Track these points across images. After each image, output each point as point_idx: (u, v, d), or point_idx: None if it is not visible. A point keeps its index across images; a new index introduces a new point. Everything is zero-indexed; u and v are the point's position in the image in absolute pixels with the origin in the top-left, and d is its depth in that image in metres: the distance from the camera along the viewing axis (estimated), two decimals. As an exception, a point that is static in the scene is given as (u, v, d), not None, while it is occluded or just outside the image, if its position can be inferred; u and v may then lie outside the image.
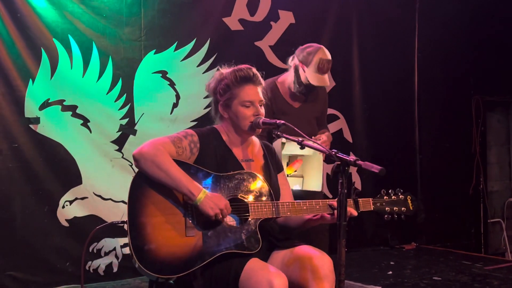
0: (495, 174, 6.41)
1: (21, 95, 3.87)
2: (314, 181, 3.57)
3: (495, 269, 4.57)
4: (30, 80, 3.89)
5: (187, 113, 4.46)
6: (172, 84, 4.40)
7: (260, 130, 2.55)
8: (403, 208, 2.57)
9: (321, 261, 2.29)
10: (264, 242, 2.37)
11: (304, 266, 2.29)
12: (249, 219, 2.37)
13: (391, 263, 4.87)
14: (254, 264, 2.24)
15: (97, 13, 4.11)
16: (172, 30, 4.40)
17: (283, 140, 3.25)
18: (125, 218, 2.31)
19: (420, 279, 4.26)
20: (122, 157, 4.22)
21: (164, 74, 4.37)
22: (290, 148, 3.47)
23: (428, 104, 5.90)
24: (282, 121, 2.42)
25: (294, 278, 2.30)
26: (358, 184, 5.32)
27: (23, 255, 3.85)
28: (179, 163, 2.35)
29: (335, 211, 2.32)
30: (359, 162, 2.05)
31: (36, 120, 3.91)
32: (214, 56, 4.53)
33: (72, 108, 4.04)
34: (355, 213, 2.40)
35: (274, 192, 2.49)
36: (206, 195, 2.28)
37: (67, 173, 4.03)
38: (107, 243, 4.14)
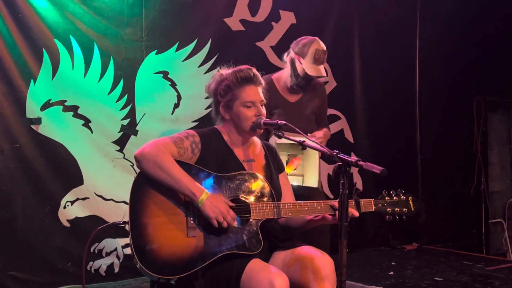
0: (496, 174, 6.40)
1: (23, 95, 3.87)
2: (311, 177, 3.59)
3: (497, 270, 4.57)
4: (32, 81, 3.89)
5: (188, 113, 4.46)
6: (173, 85, 4.40)
7: (262, 130, 2.56)
8: (404, 209, 2.57)
9: (322, 261, 2.29)
10: (265, 242, 2.37)
11: (305, 266, 2.30)
12: (251, 219, 2.37)
13: (392, 263, 4.86)
14: (255, 265, 2.25)
15: (99, 13, 4.11)
16: (173, 31, 4.40)
17: (277, 140, 3.26)
18: (127, 219, 2.31)
19: (421, 279, 4.26)
20: (124, 157, 4.22)
21: (165, 74, 4.37)
22: (285, 147, 3.48)
23: (429, 104, 5.90)
24: (283, 122, 2.43)
25: (295, 278, 2.30)
26: (359, 184, 5.31)
27: (25, 255, 3.85)
28: (181, 163, 2.35)
29: (337, 212, 2.32)
30: (361, 162, 2.05)
31: (38, 121, 3.91)
32: (216, 56, 4.53)
33: (74, 109, 4.04)
34: (356, 213, 2.40)
35: (276, 193, 2.49)
36: (208, 197, 2.28)
37: (68, 173, 4.03)
38: (109, 243, 4.14)
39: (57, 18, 3.97)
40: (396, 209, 2.56)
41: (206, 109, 4.39)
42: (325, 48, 3.67)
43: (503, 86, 6.10)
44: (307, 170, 3.64)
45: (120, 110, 4.21)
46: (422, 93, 5.88)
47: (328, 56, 4.93)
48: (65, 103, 4.01)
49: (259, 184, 2.44)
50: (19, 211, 3.86)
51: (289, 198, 2.63)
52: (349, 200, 2.10)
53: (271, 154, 2.67)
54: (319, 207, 2.44)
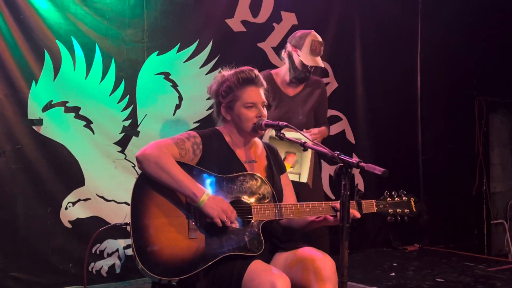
0: (498, 175, 6.40)
1: (24, 96, 3.87)
2: (302, 173, 3.61)
3: (498, 271, 4.56)
4: (33, 82, 3.89)
5: (190, 114, 4.46)
6: (174, 86, 4.41)
7: (263, 131, 2.56)
8: (406, 210, 2.57)
9: (323, 262, 2.30)
10: (266, 244, 2.37)
11: (307, 267, 2.30)
12: (252, 221, 2.37)
13: (394, 264, 4.86)
14: (256, 266, 2.25)
15: (100, 14, 4.11)
16: (174, 32, 4.40)
17: (272, 135, 3.29)
18: (128, 220, 2.31)
19: (423, 280, 4.25)
20: (125, 158, 4.22)
21: (167, 75, 4.37)
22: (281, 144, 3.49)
23: (431, 105, 5.90)
24: (285, 123, 2.43)
25: (297, 279, 2.30)
26: (361, 185, 5.31)
27: (26, 256, 3.85)
28: (182, 164, 2.35)
29: (338, 213, 2.32)
30: (362, 164, 2.05)
31: (39, 122, 3.91)
32: (217, 57, 4.53)
33: (75, 110, 4.04)
34: (358, 215, 2.40)
35: (277, 194, 2.50)
36: (209, 197, 2.28)
37: (70, 174, 4.03)
38: (110, 244, 4.14)
39: (59, 19, 3.97)
40: (397, 210, 2.56)
41: (207, 110, 4.40)
42: (321, 39, 3.71)
43: (504, 86, 6.10)
44: (301, 164, 3.66)
45: (122, 111, 4.21)
46: (423, 93, 5.88)
47: (329, 57, 4.98)
48: (67, 104, 4.01)
49: (260, 185, 2.44)
50: (20, 212, 3.86)
51: (290, 199, 2.63)
52: (350, 201, 2.09)
53: (272, 155, 2.67)
54: (320, 208, 2.44)
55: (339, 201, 2.11)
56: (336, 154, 2.13)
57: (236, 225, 2.36)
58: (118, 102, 4.20)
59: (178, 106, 4.42)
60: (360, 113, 5.46)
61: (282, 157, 3.52)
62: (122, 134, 4.22)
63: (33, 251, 3.88)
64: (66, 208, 3.99)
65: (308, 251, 2.37)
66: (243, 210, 2.38)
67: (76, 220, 4.02)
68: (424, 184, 5.84)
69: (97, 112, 4.11)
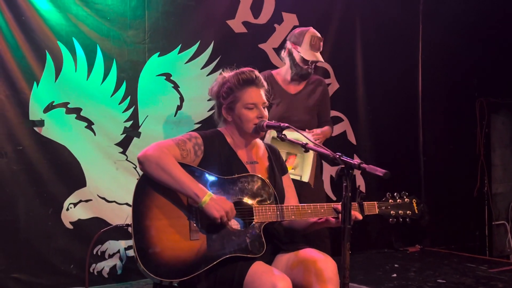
0: (499, 176, 6.39)
1: (26, 97, 3.87)
2: (305, 173, 3.61)
3: (500, 272, 4.56)
4: (35, 83, 3.90)
5: (191, 115, 4.46)
6: (176, 87, 4.41)
7: (264, 133, 2.56)
8: (408, 212, 2.56)
9: (325, 264, 2.29)
10: (268, 245, 2.37)
11: (308, 269, 2.30)
12: (254, 222, 2.37)
13: (395, 265, 4.86)
14: (258, 267, 2.24)
15: (101, 16, 4.11)
16: (176, 33, 4.41)
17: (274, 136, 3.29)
18: (129, 221, 2.31)
19: (425, 281, 4.25)
20: (126, 159, 4.22)
21: (168, 76, 4.38)
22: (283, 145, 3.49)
23: (432, 105, 5.89)
24: (286, 124, 2.43)
25: (298, 281, 2.30)
26: (362, 186, 5.31)
27: (27, 257, 3.85)
28: (184, 165, 2.35)
29: (340, 215, 2.32)
30: (364, 165, 2.04)
31: (41, 123, 3.92)
32: (218, 58, 4.53)
33: (76, 111, 4.04)
34: (360, 216, 2.39)
35: (279, 195, 2.50)
36: (211, 198, 2.28)
37: (71, 175, 4.03)
38: (111, 245, 4.14)
39: (60, 20, 3.98)
40: (400, 211, 2.55)
41: (209, 111, 4.40)
42: (319, 35, 3.72)
43: (506, 87, 6.09)
44: (303, 165, 3.66)
45: (123, 112, 4.21)
46: (424, 94, 5.87)
47: (330, 58, 4.98)
48: (68, 105, 4.01)
49: (262, 186, 2.44)
50: (22, 213, 3.86)
51: (292, 200, 2.63)
52: (352, 203, 2.09)
53: (274, 156, 2.67)
54: (322, 210, 2.44)
55: (340, 203, 2.10)
56: (337, 156, 2.12)
57: (238, 226, 2.35)
58: (120, 103, 4.20)
59: (179, 107, 4.42)
60: (361, 114, 5.46)
61: (283, 159, 3.53)
62: (124, 135, 4.22)
63: (34, 252, 3.88)
64: (67, 209, 4.00)
65: (309, 253, 2.37)
66: (244, 212, 2.38)
67: (77, 221, 4.02)
68: (425, 185, 5.84)
69: (98, 113, 4.11)
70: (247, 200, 2.40)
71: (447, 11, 5.73)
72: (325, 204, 2.46)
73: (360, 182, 5.29)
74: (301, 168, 3.63)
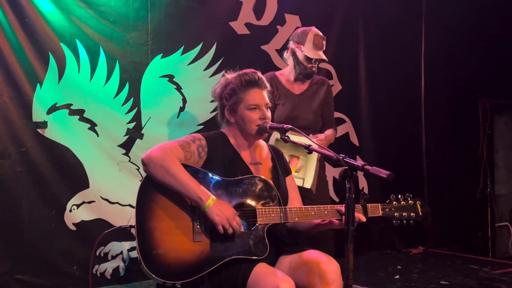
0: (502, 178, 6.37)
1: (29, 99, 3.88)
2: (307, 179, 3.61)
3: (503, 273, 4.55)
4: (38, 85, 3.90)
5: (194, 117, 4.46)
6: (178, 88, 4.41)
7: (267, 134, 2.56)
8: (412, 214, 2.56)
9: (328, 266, 2.29)
10: (271, 247, 2.37)
11: (312, 270, 2.30)
12: (257, 224, 2.37)
13: (398, 267, 4.85)
14: (261, 269, 2.25)
15: (104, 17, 4.12)
16: (178, 34, 4.41)
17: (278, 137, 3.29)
18: (132, 222, 2.32)
19: (427, 283, 4.25)
20: (129, 161, 4.22)
21: (171, 78, 4.38)
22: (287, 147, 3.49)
23: (435, 107, 5.89)
24: (289, 126, 2.43)
25: (302, 282, 2.30)
26: (365, 188, 5.31)
27: (31, 258, 3.86)
28: (187, 167, 2.35)
29: (343, 217, 2.32)
30: (367, 167, 2.04)
31: (44, 124, 3.92)
32: (221, 60, 4.54)
33: (80, 112, 4.05)
34: (363, 218, 2.39)
35: (282, 196, 2.50)
36: (215, 202, 2.28)
37: (74, 177, 4.03)
38: (114, 246, 4.15)
39: (63, 22, 3.98)
40: (404, 214, 2.55)
41: (211, 112, 4.40)
42: (322, 34, 3.72)
43: (508, 88, 6.08)
44: (305, 169, 3.65)
45: (126, 113, 4.22)
46: (427, 96, 5.87)
47: (333, 59, 4.99)
48: (71, 107, 4.02)
49: (265, 188, 2.44)
50: (25, 215, 3.86)
51: (296, 201, 2.63)
52: (356, 205, 2.09)
53: (277, 157, 2.67)
54: (326, 212, 2.44)
55: (344, 205, 2.10)
56: (341, 157, 2.12)
57: (241, 228, 2.35)
58: (123, 105, 4.20)
59: (182, 109, 4.42)
60: (364, 115, 5.46)
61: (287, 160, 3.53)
62: (126, 137, 4.22)
63: (38, 253, 3.88)
64: (70, 211, 4.00)
65: (313, 254, 2.37)
66: (248, 214, 2.38)
67: (81, 223, 4.03)
68: (428, 186, 5.84)
69: (101, 114, 4.12)
70: (251, 202, 2.40)
71: (450, 12, 5.72)
72: (328, 206, 2.46)
73: (363, 183, 5.29)
74: (304, 171, 3.62)
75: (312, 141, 2.42)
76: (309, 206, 2.45)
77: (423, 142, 5.88)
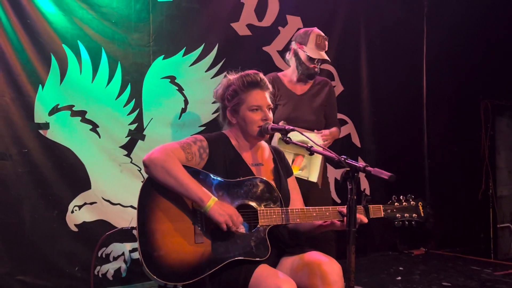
0: (504, 179, 6.37)
1: (31, 100, 3.88)
2: (312, 173, 3.61)
3: (505, 275, 4.54)
4: (40, 86, 3.91)
5: (195, 118, 4.47)
6: (180, 89, 4.41)
7: (268, 135, 2.56)
8: (414, 215, 2.56)
9: (330, 267, 2.29)
10: (273, 248, 2.37)
11: (313, 272, 2.29)
12: (259, 225, 2.37)
13: (400, 268, 4.84)
14: (263, 271, 2.24)
15: (106, 18, 4.13)
16: (180, 36, 4.41)
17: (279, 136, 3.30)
18: (134, 223, 2.31)
19: (429, 284, 4.24)
20: (131, 162, 4.22)
21: (172, 79, 4.38)
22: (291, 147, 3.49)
23: (437, 108, 5.89)
24: (291, 127, 2.43)
25: (303, 284, 2.29)
26: (366, 189, 5.31)
27: (32, 259, 3.86)
28: (188, 168, 2.35)
29: (345, 218, 2.32)
30: (369, 168, 2.04)
31: (46, 126, 3.93)
32: (223, 61, 4.54)
33: (81, 114, 4.05)
34: (365, 220, 2.39)
35: (284, 197, 2.49)
36: (216, 203, 2.28)
37: (76, 178, 4.04)
38: (116, 248, 4.15)
39: (65, 23, 3.99)
40: (405, 215, 2.54)
41: (213, 113, 4.41)
42: (324, 34, 3.73)
43: (510, 90, 6.08)
44: (310, 166, 3.65)
45: (128, 115, 4.22)
46: (429, 97, 5.87)
47: (334, 60, 4.98)
48: (73, 108, 4.02)
49: (267, 189, 2.44)
50: (27, 216, 3.87)
51: (298, 202, 2.63)
52: (358, 206, 2.09)
53: (279, 158, 2.67)
54: (327, 213, 2.43)
55: (346, 206, 2.10)
56: (342, 158, 2.12)
57: (242, 230, 2.35)
58: (124, 106, 4.21)
59: (183, 110, 4.42)
60: (365, 116, 5.46)
61: (291, 159, 3.53)
62: (128, 138, 4.22)
63: (40, 254, 3.88)
64: (72, 212, 4.00)
65: (314, 256, 2.36)
66: (249, 215, 2.38)
67: (82, 224, 4.03)
68: (429, 187, 5.83)
69: (103, 116, 4.12)
70: (252, 203, 2.40)
71: (452, 14, 5.72)
72: (330, 207, 2.46)
73: (364, 184, 5.28)
74: (308, 169, 3.62)
75: (314, 142, 2.42)
76: (310, 207, 2.45)
77: (424, 143, 5.87)
